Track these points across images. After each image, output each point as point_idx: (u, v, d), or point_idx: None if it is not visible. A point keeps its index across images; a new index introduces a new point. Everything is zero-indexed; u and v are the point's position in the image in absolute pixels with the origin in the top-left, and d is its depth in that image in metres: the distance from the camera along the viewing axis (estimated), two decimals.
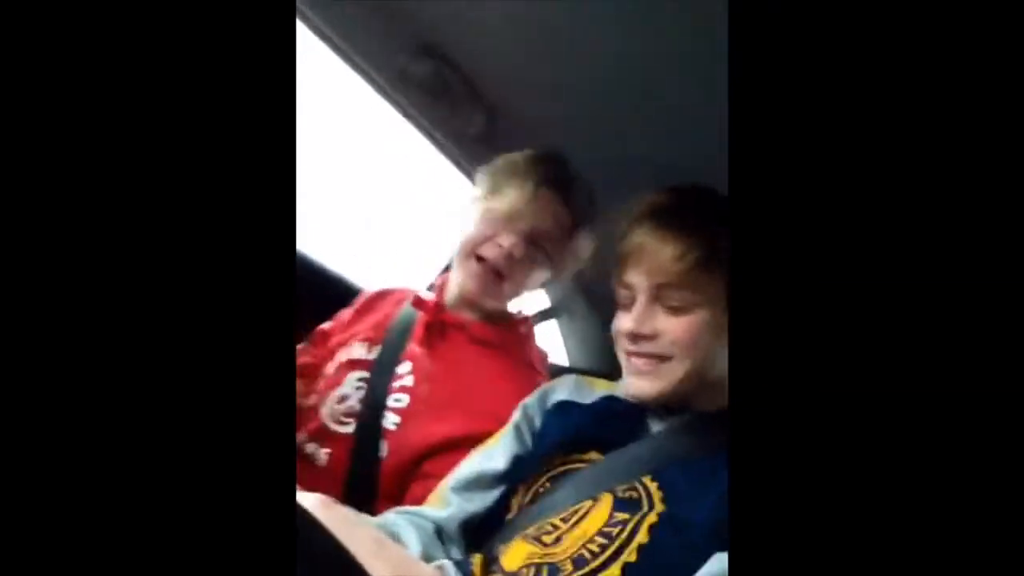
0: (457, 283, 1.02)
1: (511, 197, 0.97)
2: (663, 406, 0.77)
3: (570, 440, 0.79)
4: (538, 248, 0.97)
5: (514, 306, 1.06)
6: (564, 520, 0.71)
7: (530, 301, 1.12)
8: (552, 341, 1.37)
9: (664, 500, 0.69)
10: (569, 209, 0.99)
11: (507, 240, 0.96)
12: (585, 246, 1.03)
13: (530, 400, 0.86)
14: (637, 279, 0.75)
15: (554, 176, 0.98)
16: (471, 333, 1.01)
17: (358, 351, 1.02)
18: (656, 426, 0.79)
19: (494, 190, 0.99)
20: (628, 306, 0.76)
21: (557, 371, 1.02)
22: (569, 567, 0.64)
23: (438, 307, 1.01)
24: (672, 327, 0.73)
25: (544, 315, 1.40)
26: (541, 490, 0.76)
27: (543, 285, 1.08)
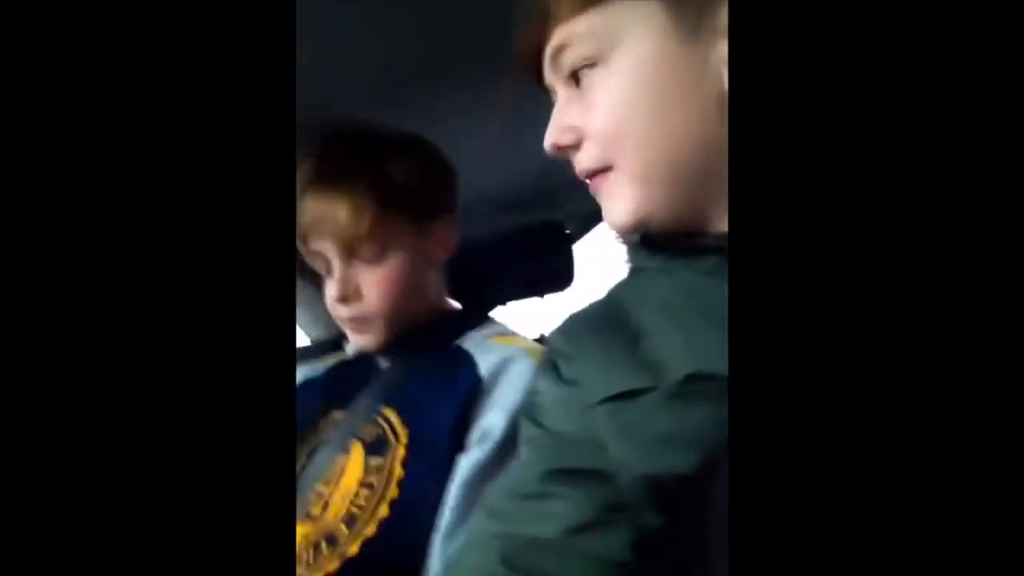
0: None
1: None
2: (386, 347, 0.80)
3: (314, 413, 0.81)
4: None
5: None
6: (326, 483, 0.72)
7: None
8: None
9: (405, 422, 0.72)
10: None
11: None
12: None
13: None
14: (325, 246, 0.75)
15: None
16: None
17: None
18: (384, 361, 0.82)
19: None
20: (330, 272, 0.76)
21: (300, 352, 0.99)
22: (344, 529, 0.66)
23: None
24: (372, 280, 0.75)
25: None
26: (302, 468, 0.77)
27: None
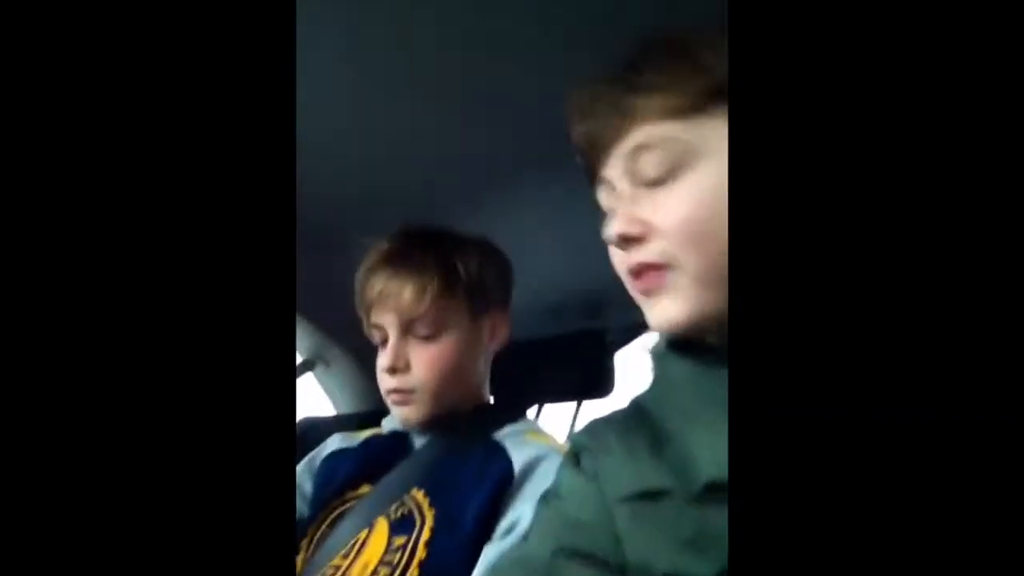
0: None
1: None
2: (425, 424, 0.81)
3: (342, 483, 0.82)
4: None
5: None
6: (345, 556, 0.71)
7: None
8: (313, 392, 1.33)
9: (432, 504, 0.71)
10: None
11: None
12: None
13: (298, 469, 0.90)
14: (386, 319, 0.80)
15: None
16: None
17: None
18: (419, 442, 0.83)
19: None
20: (384, 343, 0.81)
21: (324, 422, 1.01)
22: None
23: None
24: (423, 356, 0.79)
25: (300, 368, 1.29)
26: (321, 537, 0.77)
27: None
